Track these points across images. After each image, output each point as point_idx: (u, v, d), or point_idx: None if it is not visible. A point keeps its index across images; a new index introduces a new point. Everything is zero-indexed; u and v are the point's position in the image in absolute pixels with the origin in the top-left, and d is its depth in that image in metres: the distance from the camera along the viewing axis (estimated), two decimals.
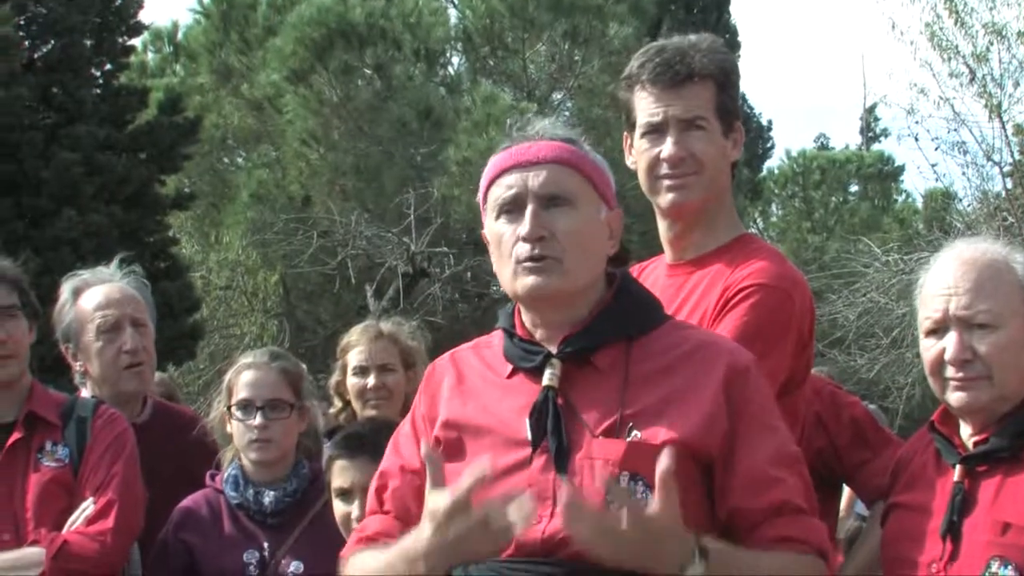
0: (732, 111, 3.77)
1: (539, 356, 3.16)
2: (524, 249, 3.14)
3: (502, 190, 3.19)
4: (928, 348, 3.46)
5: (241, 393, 4.66)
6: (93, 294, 4.94)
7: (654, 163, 3.73)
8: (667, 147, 3.69)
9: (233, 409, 4.66)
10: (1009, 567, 3.21)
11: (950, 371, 3.39)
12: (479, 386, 3.26)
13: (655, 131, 3.72)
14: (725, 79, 3.74)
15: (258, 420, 4.60)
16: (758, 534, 3.06)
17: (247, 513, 4.61)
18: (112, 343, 4.87)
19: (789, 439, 3.19)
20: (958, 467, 3.39)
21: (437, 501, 2.89)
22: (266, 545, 4.54)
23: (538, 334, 3.21)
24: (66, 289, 5.00)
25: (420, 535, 2.94)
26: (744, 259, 3.67)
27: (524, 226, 3.13)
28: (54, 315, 4.98)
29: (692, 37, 3.81)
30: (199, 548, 4.56)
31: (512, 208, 3.17)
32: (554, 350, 3.16)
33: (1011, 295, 3.39)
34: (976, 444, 3.40)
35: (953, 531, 3.32)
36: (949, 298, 3.40)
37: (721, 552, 2.92)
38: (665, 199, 3.76)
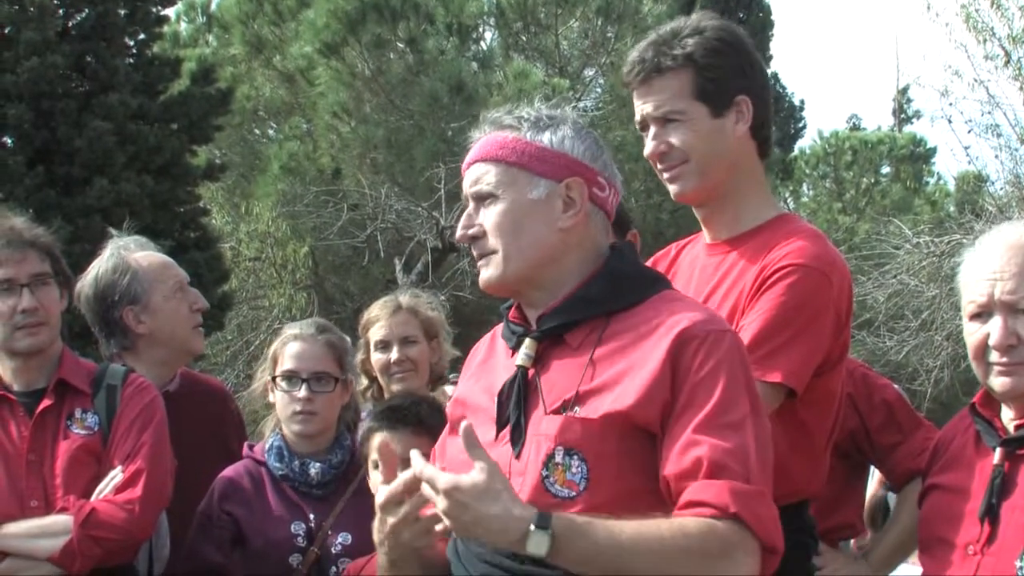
0: (720, 90, 3.73)
1: (516, 335, 3.26)
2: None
3: None
4: (972, 332, 3.41)
5: (287, 364, 4.69)
6: (152, 256, 4.99)
7: (651, 158, 3.81)
8: (648, 144, 3.76)
9: (278, 380, 4.68)
10: None
11: (994, 356, 3.35)
12: (494, 364, 3.36)
13: (643, 128, 3.80)
14: (706, 59, 3.71)
15: (303, 392, 4.64)
16: (676, 504, 2.98)
17: (292, 485, 4.64)
18: (183, 302, 4.95)
19: (735, 407, 3.00)
20: (998, 450, 3.36)
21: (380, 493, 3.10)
22: (312, 517, 4.57)
23: (528, 313, 3.29)
24: (113, 254, 5.00)
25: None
26: (782, 239, 3.65)
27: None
28: (101, 280, 4.97)
29: (675, 24, 3.82)
30: (245, 520, 4.58)
31: None
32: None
33: None
34: (1017, 427, 3.37)
35: (991, 513, 3.29)
36: (994, 283, 3.35)
37: (577, 526, 2.88)
38: (670, 190, 3.82)
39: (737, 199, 3.79)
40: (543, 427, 3.07)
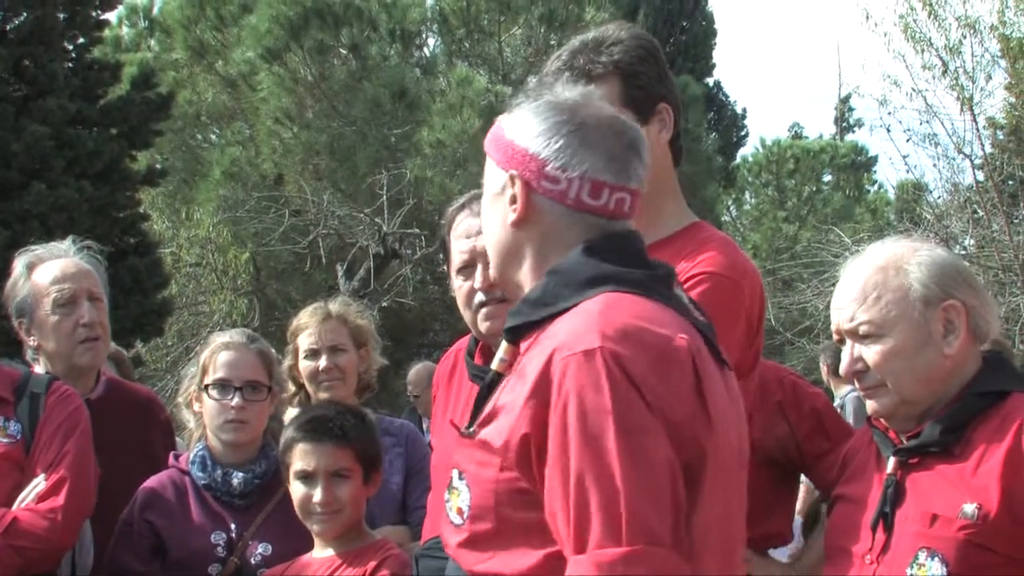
0: (647, 97, 3.70)
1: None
2: None
3: None
4: (842, 360, 3.53)
5: (219, 373, 4.66)
6: (48, 268, 4.89)
7: None
8: None
9: (209, 388, 4.65)
10: (936, 558, 3.24)
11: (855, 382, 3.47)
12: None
13: None
14: (632, 67, 3.70)
15: (236, 401, 4.62)
16: None
17: (214, 494, 4.61)
18: (68, 317, 4.83)
19: (595, 445, 2.51)
20: (891, 459, 3.44)
21: None
22: (233, 527, 4.54)
23: None
24: (19, 264, 4.95)
25: None
26: (694, 248, 3.65)
27: None
28: (7, 290, 4.93)
29: (595, 33, 3.80)
30: (166, 529, 4.54)
31: None
32: None
33: (897, 301, 3.41)
34: (909, 437, 3.43)
35: (886, 522, 3.36)
36: (840, 310, 3.49)
37: None
38: None
39: (654, 208, 3.75)
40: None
